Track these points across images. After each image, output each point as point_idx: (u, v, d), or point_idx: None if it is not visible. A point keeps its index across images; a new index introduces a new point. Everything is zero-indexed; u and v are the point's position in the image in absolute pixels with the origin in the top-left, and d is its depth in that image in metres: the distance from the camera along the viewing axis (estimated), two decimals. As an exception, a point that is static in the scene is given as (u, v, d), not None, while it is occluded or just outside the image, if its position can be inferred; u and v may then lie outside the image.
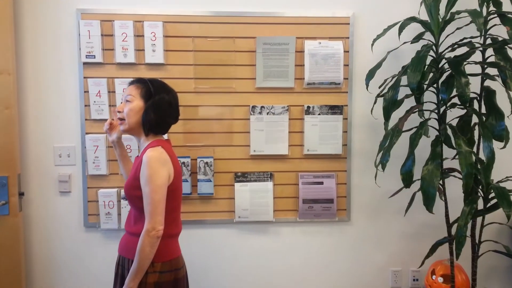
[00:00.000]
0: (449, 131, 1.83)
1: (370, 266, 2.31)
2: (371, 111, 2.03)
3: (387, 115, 1.94)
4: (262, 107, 2.15)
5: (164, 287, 1.56)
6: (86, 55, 2.08)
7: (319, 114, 2.17)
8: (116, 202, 2.14)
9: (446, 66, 1.87)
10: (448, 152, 1.92)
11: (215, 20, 2.12)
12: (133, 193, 1.56)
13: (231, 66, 2.14)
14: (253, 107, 2.15)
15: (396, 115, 1.94)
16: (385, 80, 2.02)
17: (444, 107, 1.91)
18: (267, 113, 2.16)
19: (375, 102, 2.01)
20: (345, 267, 2.30)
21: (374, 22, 2.18)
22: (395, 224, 2.30)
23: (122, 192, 2.12)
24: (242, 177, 2.18)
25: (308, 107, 2.17)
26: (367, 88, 2.00)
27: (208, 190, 2.16)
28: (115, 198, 2.13)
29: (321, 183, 2.21)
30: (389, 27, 1.96)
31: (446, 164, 1.99)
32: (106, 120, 2.10)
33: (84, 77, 2.10)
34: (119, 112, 1.62)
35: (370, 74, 1.99)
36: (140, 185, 1.53)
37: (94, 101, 2.10)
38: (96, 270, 2.22)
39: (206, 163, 2.14)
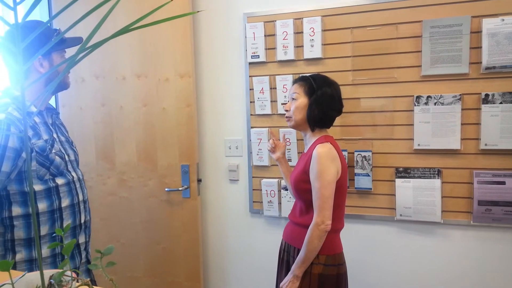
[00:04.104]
0: None
1: None
2: None
3: None
4: (428, 97, 1.96)
5: (328, 280, 1.59)
6: (251, 56, 2.24)
7: (500, 103, 1.86)
8: (277, 192, 2.26)
9: None
10: None
11: (375, 7, 2.01)
12: (302, 186, 1.63)
13: (393, 54, 2.00)
14: (418, 97, 1.97)
15: None
16: None
17: None
18: (435, 104, 1.95)
19: None
20: (534, 285, 1.93)
21: None
22: None
23: (283, 182, 2.24)
24: (404, 172, 2.04)
25: (487, 95, 1.88)
26: None
27: (366, 184, 2.09)
28: (276, 188, 2.26)
29: (503, 182, 1.89)
30: None
31: None
32: (268, 115, 2.25)
33: (250, 76, 2.27)
34: (286, 111, 1.71)
35: None
36: (308, 179, 1.59)
37: (258, 98, 2.25)
38: (259, 251, 2.39)
39: (364, 157, 2.07)
